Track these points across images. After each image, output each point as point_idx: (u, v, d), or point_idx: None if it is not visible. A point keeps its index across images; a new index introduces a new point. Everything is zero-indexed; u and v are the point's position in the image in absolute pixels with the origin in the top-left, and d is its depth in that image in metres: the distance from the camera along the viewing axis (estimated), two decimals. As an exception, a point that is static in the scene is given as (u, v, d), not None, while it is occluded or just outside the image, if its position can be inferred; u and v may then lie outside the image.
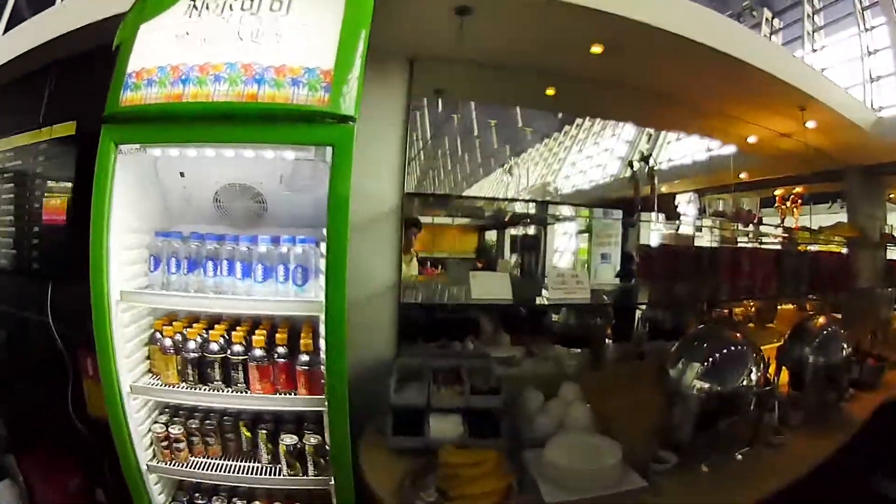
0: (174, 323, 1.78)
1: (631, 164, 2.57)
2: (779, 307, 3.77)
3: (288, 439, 1.68)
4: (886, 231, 4.19)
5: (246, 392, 1.68)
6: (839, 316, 4.21)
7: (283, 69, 1.44)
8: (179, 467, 1.75)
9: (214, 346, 1.70)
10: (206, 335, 1.73)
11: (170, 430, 1.74)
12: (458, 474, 1.61)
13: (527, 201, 2.76)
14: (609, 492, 1.57)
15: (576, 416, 1.99)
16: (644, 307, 2.86)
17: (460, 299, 2.30)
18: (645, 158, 2.62)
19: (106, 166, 1.50)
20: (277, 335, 1.68)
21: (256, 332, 1.70)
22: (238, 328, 1.75)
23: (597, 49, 2.25)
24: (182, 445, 1.75)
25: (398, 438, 1.80)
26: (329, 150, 1.45)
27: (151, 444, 1.76)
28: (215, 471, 1.74)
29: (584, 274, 2.16)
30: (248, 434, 1.77)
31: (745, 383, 1.76)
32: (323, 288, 1.49)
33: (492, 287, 2.07)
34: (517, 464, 1.73)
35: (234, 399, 1.69)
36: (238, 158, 1.62)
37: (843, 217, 4.29)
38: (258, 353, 1.66)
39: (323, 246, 1.55)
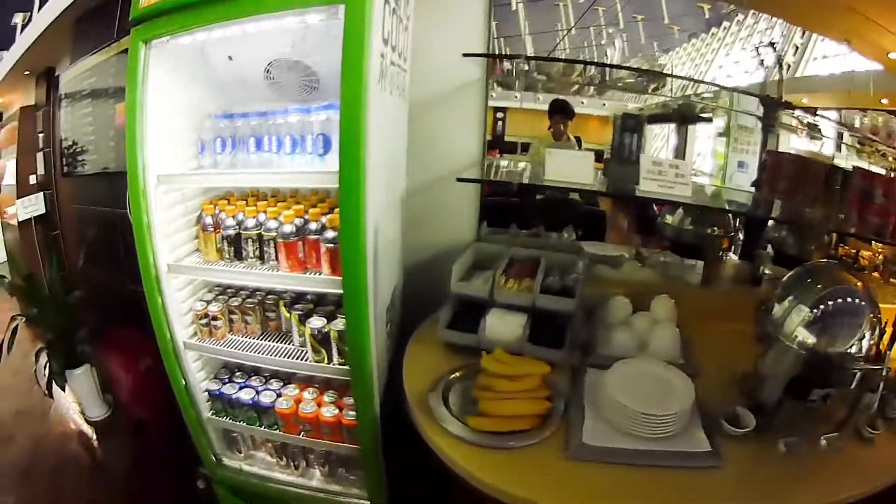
0: (220, 202, 1.74)
1: (758, 51, 2.03)
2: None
3: (315, 322, 1.59)
4: None
5: (276, 271, 1.60)
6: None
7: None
8: (216, 346, 1.75)
9: (250, 223, 1.63)
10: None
11: (209, 307, 1.74)
12: (491, 386, 1.40)
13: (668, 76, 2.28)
14: (662, 448, 1.29)
15: (660, 340, 1.69)
16: (769, 224, 2.37)
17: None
18: (772, 45, 2.07)
19: (135, 63, 1.53)
20: (312, 210, 1.57)
21: (293, 207, 1.61)
22: (280, 204, 1.67)
23: None
24: (219, 323, 1.75)
25: (448, 332, 1.65)
26: (342, 8, 1.27)
27: (192, 322, 1.77)
28: (251, 351, 1.72)
29: (687, 165, 1.73)
30: (288, 314, 1.71)
31: (853, 350, 1.34)
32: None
33: (570, 168, 1.73)
34: (577, 384, 1.51)
35: (259, 277, 1.62)
36: (283, 34, 1.53)
37: None
38: (287, 228, 1.56)
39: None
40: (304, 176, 1.52)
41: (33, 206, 3.74)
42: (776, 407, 1.40)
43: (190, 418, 1.84)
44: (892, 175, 2.62)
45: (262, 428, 1.78)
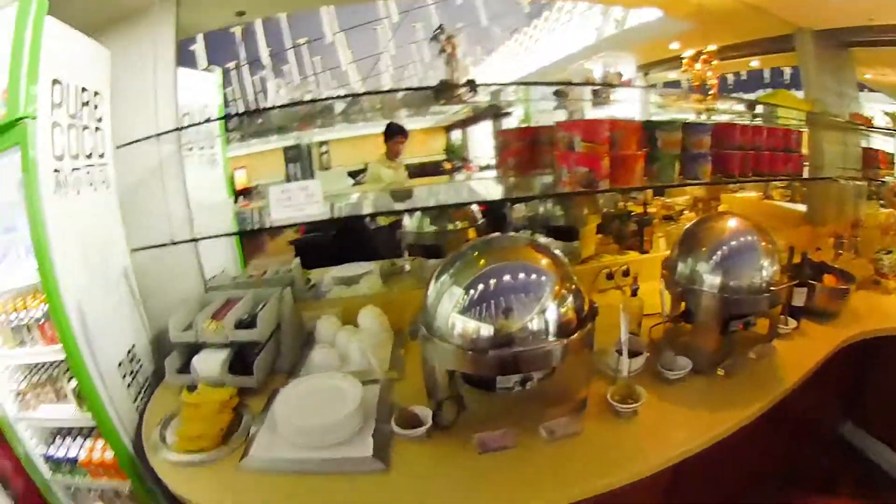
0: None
1: (436, 38, 2.11)
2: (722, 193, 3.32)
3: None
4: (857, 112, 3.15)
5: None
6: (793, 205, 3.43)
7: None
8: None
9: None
10: None
11: (20, 386, 2.08)
12: (183, 414, 1.69)
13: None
14: (326, 456, 1.45)
15: (357, 352, 1.90)
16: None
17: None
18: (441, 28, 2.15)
19: None
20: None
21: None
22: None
23: None
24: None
25: (174, 376, 1.90)
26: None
27: (14, 399, 2.10)
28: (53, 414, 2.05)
29: (317, 185, 1.89)
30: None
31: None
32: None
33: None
34: (269, 404, 1.74)
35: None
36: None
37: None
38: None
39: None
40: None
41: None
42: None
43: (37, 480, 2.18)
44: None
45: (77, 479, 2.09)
